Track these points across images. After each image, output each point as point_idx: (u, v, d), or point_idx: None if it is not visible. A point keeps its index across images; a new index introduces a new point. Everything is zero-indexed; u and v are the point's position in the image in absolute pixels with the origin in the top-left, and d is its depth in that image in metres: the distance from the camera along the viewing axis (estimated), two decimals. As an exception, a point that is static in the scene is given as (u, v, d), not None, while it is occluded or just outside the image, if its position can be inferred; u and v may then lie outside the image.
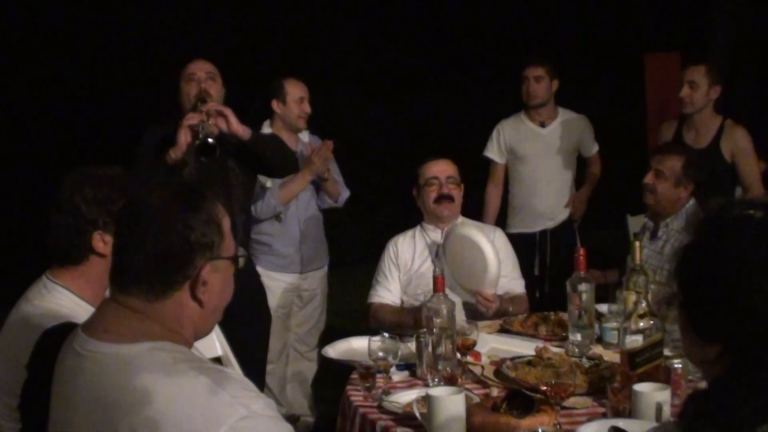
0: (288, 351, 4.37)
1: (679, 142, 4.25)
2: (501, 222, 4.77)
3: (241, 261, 1.66)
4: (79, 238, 2.08)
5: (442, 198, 3.56)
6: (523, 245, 4.44)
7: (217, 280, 1.58)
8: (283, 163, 3.69)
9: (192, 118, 3.36)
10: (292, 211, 4.20)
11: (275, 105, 4.20)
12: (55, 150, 7.85)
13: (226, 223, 1.61)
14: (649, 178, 3.55)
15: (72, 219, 2.08)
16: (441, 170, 3.60)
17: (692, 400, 1.34)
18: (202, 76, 3.62)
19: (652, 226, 3.62)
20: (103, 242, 2.08)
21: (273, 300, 4.15)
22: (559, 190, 4.78)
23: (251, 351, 3.56)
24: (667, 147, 3.79)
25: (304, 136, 4.37)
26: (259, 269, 4.11)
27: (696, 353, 1.41)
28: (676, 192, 3.51)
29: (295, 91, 4.18)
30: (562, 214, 4.80)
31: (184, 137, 3.33)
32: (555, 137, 4.76)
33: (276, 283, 4.19)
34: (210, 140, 3.27)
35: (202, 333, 1.64)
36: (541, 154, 4.74)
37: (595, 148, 4.90)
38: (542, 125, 4.77)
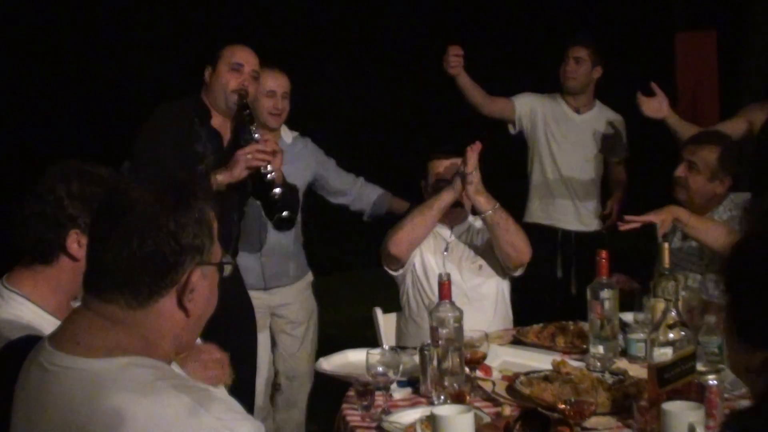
0: (271, 379, 4.26)
1: None
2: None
3: (228, 268, 1.66)
4: (53, 232, 2.06)
5: (454, 204, 3.53)
6: (544, 239, 4.47)
7: (204, 288, 1.59)
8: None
9: (255, 159, 3.40)
10: (252, 215, 3.98)
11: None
12: (28, 147, 7.89)
13: (215, 225, 1.62)
14: (680, 171, 3.53)
15: (50, 210, 2.06)
16: (451, 171, 3.54)
17: (736, 418, 1.35)
18: (248, 70, 3.62)
19: None
20: (78, 244, 2.07)
21: None
22: (582, 185, 4.78)
23: (238, 367, 3.54)
24: (702, 136, 3.76)
25: (287, 136, 4.18)
26: None
27: (741, 361, 1.42)
28: (711, 187, 3.49)
29: (266, 82, 3.99)
30: (590, 219, 4.81)
31: (240, 171, 3.39)
32: (588, 127, 4.81)
33: None
34: (285, 214, 3.45)
35: (184, 346, 1.65)
36: (571, 139, 4.77)
37: (626, 153, 4.92)
38: (577, 111, 4.80)
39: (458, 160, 3.52)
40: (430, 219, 3.48)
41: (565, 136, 4.79)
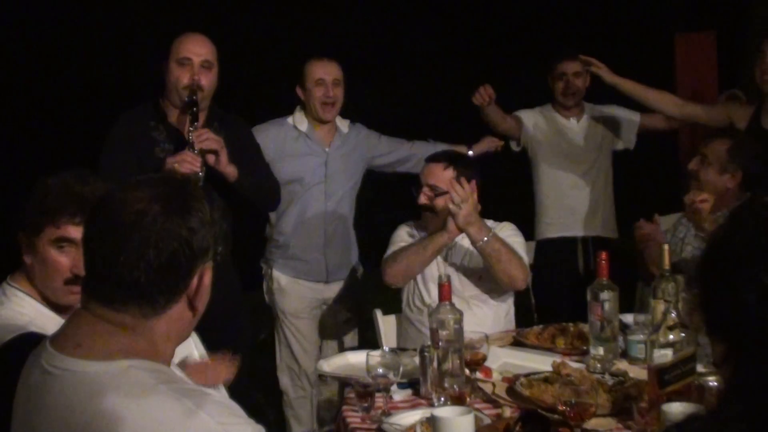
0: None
1: (757, 128, 4.17)
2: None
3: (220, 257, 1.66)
4: (15, 238, 2.11)
5: (425, 209, 3.54)
6: (564, 250, 4.48)
7: (208, 282, 1.60)
8: (262, 207, 3.85)
9: (186, 161, 3.26)
10: (317, 209, 4.07)
11: (299, 91, 4.06)
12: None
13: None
14: (693, 163, 3.49)
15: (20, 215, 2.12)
16: (438, 177, 3.52)
17: (690, 422, 1.36)
18: (197, 62, 3.48)
19: None
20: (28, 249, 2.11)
21: (293, 306, 4.11)
22: (594, 190, 4.75)
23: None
24: (715, 130, 3.73)
25: (343, 126, 4.20)
26: (277, 273, 4.10)
27: (713, 355, 1.44)
28: (721, 180, 3.42)
29: (314, 71, 3.97)
30: (606, 224, 4.78)
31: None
32: (587, 131, 4.77)
33: (298, 288, 4.12)
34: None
35: (183, 340, 1.65)
36: (574, 149, 4.74)
37: (637, 116, 4.77)
38: (572, 120, 4.78)
39: (437, 166, 3.50)
40: (425, 258, 3.47)
41: (567, 147, 4.75)
